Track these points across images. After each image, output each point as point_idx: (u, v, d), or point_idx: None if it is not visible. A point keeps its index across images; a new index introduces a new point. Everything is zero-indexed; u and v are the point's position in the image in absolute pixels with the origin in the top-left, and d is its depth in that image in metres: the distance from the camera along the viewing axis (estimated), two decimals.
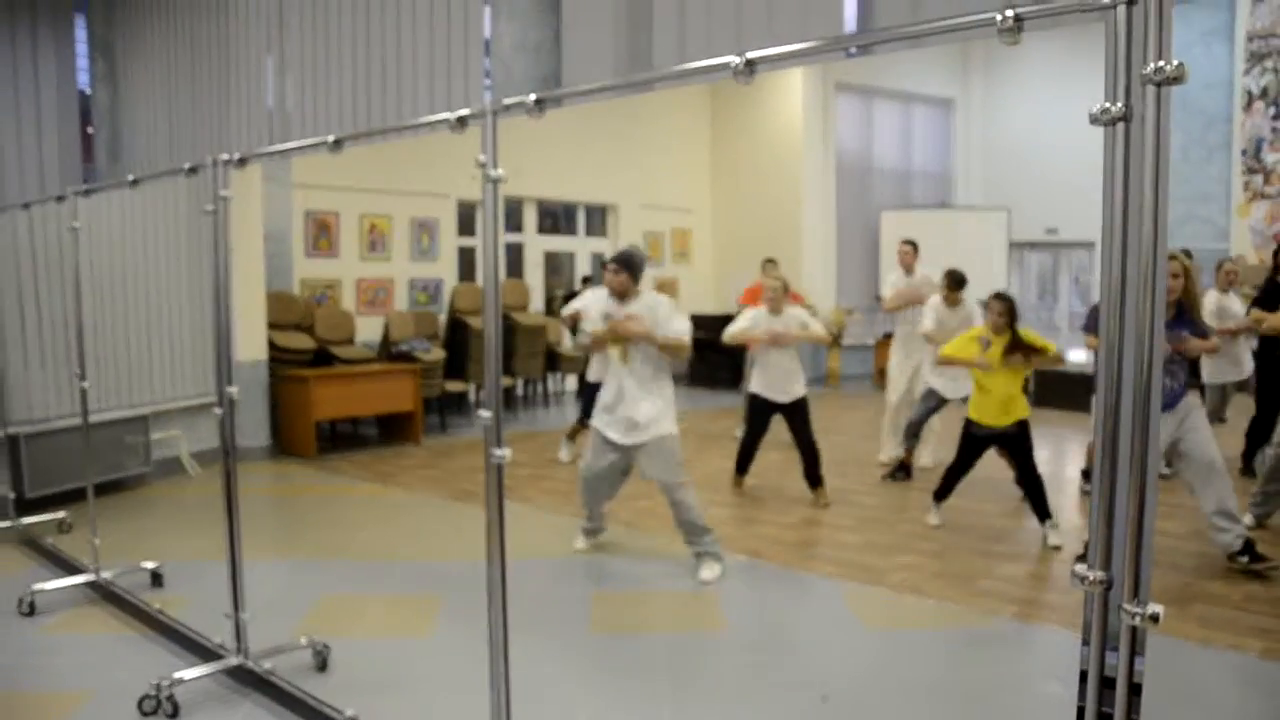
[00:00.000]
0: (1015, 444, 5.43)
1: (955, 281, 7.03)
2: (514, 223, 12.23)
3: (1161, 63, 1.31)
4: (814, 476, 6.43)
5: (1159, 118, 1.33)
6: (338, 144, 3.02)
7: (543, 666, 3.69)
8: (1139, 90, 1.34)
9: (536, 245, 12.54)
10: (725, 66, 1.82)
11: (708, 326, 13.24)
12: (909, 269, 7.78)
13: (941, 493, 5.71)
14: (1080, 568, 1.45)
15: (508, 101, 2.34)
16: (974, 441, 5.56)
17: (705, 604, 4.59)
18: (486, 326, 2.55)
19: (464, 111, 2.50)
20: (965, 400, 5.87)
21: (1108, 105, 1.36)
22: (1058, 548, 5.23)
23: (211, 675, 3.59)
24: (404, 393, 8.74)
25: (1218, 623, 4.11)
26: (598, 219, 13.23)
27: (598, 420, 5.01)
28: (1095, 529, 1.43)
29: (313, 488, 7.34)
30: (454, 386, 10.08)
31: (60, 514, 5.95)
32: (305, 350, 8.66)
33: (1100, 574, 1.43)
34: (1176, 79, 1.30)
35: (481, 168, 2.43)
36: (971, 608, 4.36)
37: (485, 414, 2.49)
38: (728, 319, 12.82)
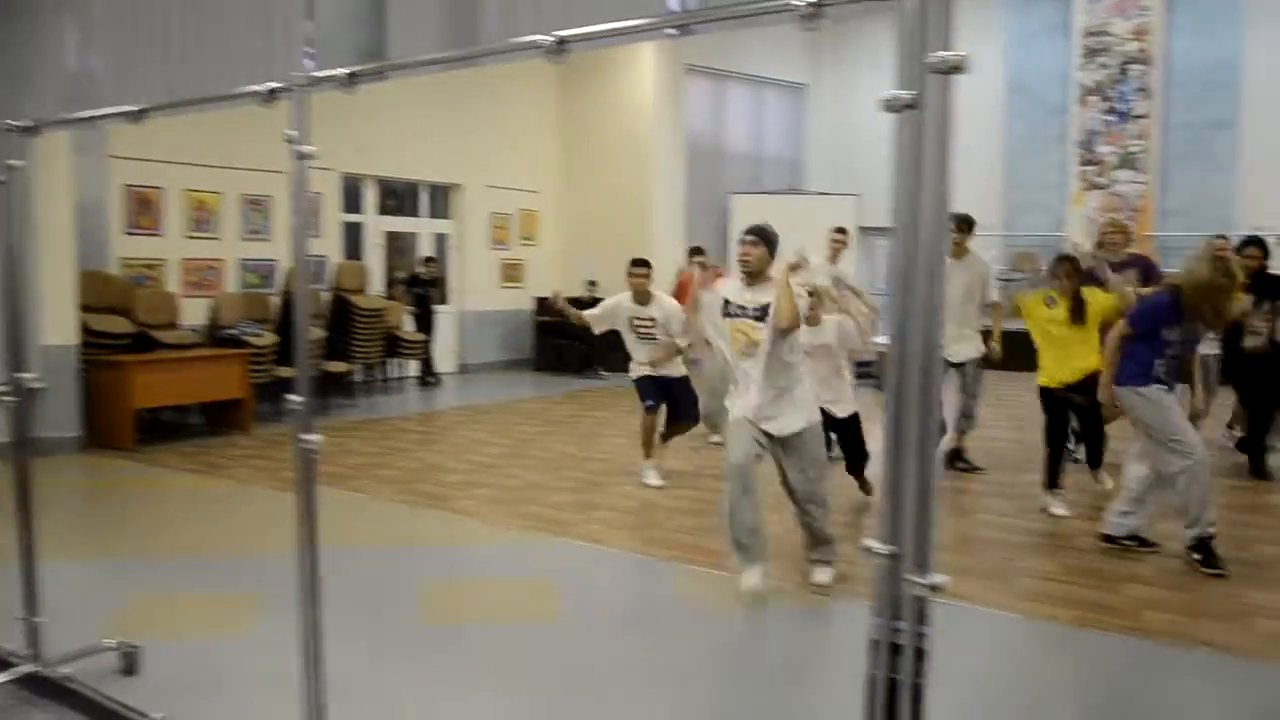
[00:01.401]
0: (1092, 393, 5.22)
1: (966, 224, 6.43)
2: (354, 202, 11.87)
3: (946, 52, 1.35)
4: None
5: (944, 105, 1.37)
6: (140, 114, 2.83)
7: (370, 660, 3.60)
8: (927, 79, 1.37)
9: (377, 226, 12.21)
10: (536, 45, 1.78)
11: (553, 310, 13.19)
12: (836, 256, 7.66)
13: (1053, 478, 5.61)
14: (870, 541, 1.49)
15: (318, 75, 2.24)
16: (1055, 405, 5.60)
17: (540, 592, 4.56)
18: (298, 308, 2.45)
19: (273, 85, 2.38)
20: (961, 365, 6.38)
21: (898, 93, 1.39)
22: (1109, 490, 5.62)
23: (3, 685, 3.33)
24: (232, 379, 8.36)
25: (1035, 595, 4.35)
26: (442, 199, 12.98)
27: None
28: (882, 504, 1.47)
29: (129, 481, 6.94)
30: (335, 367, 9.76)
31: None
32: (123, 334, 8.17)
33: (889, 547, 1.47)
34: (959, 68, 1.34)
35: (290, 143, 2.32)
36: (803, 589, 4.47)
37: (296, 399, 2.39)
38: (575, 301, 12.85)
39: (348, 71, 2.22)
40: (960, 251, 6.46)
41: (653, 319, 6.41)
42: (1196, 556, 4.52)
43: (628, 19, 1.82)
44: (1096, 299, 5.45)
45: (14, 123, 3.22)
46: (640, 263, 6.52)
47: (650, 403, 6.54)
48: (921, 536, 1.45)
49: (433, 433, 9.04)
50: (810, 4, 1.45)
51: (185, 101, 2.85)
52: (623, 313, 6.54)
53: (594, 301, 12.77)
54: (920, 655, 1.50)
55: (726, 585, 4.56)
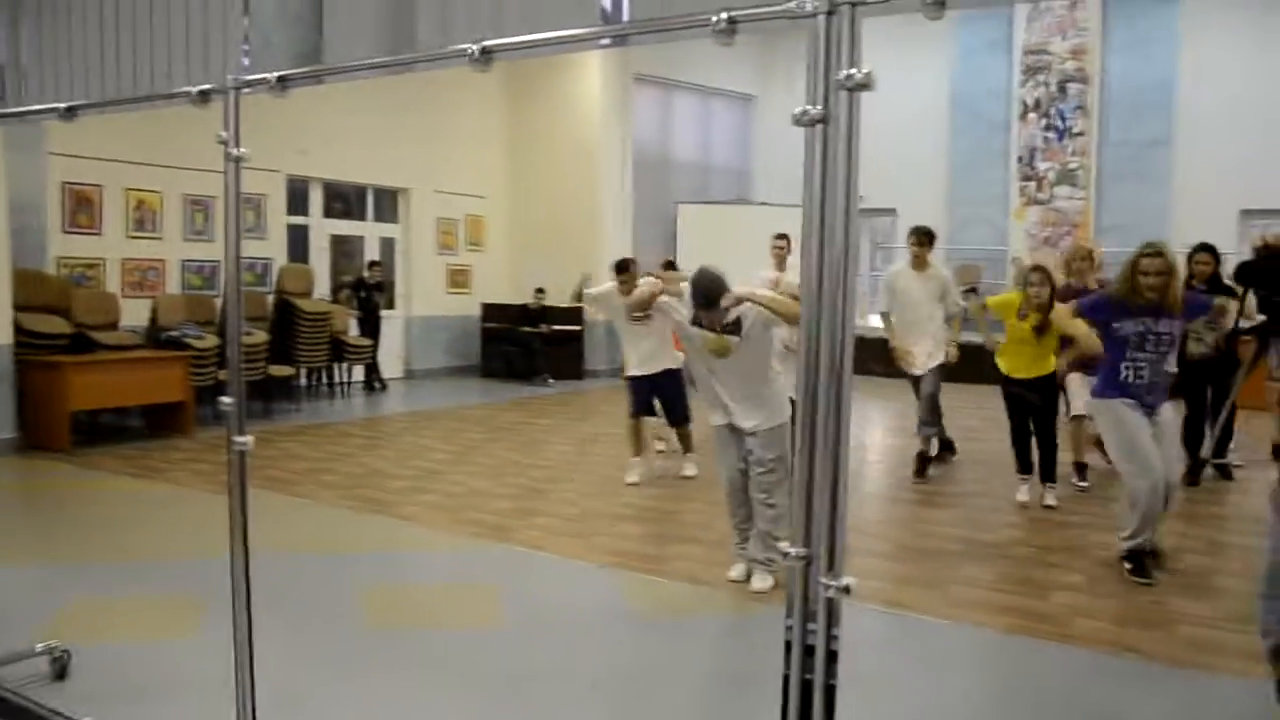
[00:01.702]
0: (1044, 394, 5.90)
1: (926, 237, 6.63)
2: (300, 205, 11.75)
3: (853, 70, 1.40)
4: None
5: (850, 121, 1.42)
6: (70, 112, 2.80)
7: (308, 664, 3.58)
8: (835, 95, 1.42)
9: (323, 229, 12.10)
10: (462, 53, 1.81)
11: (502, 316, 13.19)
12: (781, 263, 7.69)
13: (1024, 466, 6.02)
14: (784, 545, 1.53)
15: (248, 78, 2.24)
16: (1013, 397, 5.98)
17: (481, 598, 4.56)
18: (230, 310, 2.44)
19: (205, 86, 2.38)
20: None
21: (808, 108, 1.43)
22: (1052, 507, 5.86)
23: None
24: (173, 381, 8.24)
25: (968, 602, 4.43)
26: (388, 203, 12.90)
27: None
28: (795, 509, 1.51)
29: (64, 484, 6.81)
30: (279, 371, 9.65)
31: None
32: (59, 335, 8.02)
33: (801, 550, 1.51)
34: (865, 85, 1.39)
35: (222, 145, 2.31)
36: (743, 595, 4.51)
37: (227, 400, 2.38)
38: (522, 309, 12.85)
39: (277, 75, 2.21)
40: (921, 264, 6.67)
41: (649, 315, 6.45)
42: (1128, 565, 4.63)
43: (557, 30, 1.85)
44: (1060, 317, 5.50)
45: None
46: (623, 267, 6.57)
47: (636, 408, 6.71)
48: (833, 539, 1.49)
49: (377, 438, 8.99)
50: (726, 20, 1.49)
51: (117, 100, 2.83)
52: (618, 301, 6.54)
53: (541, 310, 12.84)
54: (832, 656, 1.53)
55: (665, 591, 4.60)
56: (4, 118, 4.06)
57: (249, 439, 2.38)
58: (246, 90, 2.37)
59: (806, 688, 1.56)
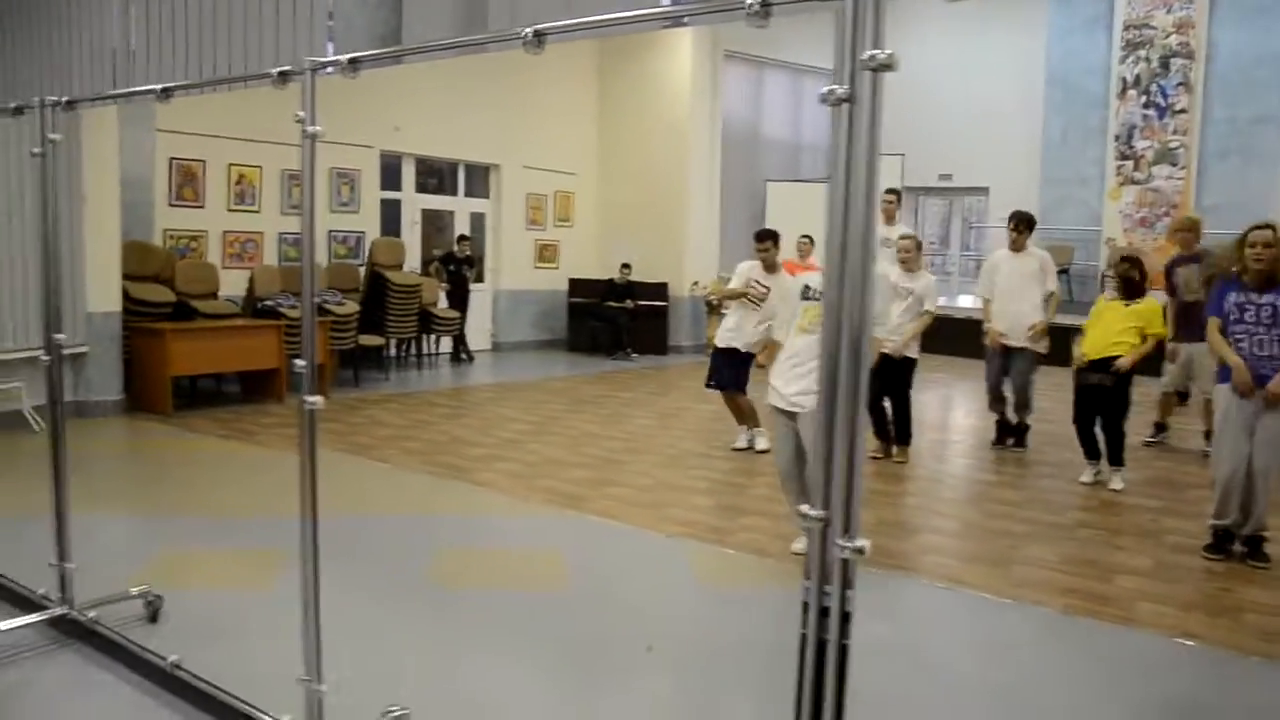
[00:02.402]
0: (1115, 376, 5.87)
1: (1025, 223, 6.84)
2: (393, 180, 12.07)
3: (877, 51, 1.44)
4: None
5: (874, 101, 1.47)
6: (165, 93, 2.99)
7: (376, 617, 3.76)
8: (860, 75, 1.47)
9: (415, 203, 12.41)
10: (518, 36, 1.90)
11: (589, 291, 13.36)
12: (890, 218, 7.76)
13: (1089, 451, 6.09)
14: (804, 508, 1.60)
15: (323, 59, 2.37)
16: (1082, 387, 6.04)
17: (549, 563, 4.71)
18: (305, 282, 2.59)
19: (284, 68, 2.52)
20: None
21: (834, 87, 1.48)
22: (1118, 490, 5.89)
23: (32, 625, 3.55)
24: (267, 349, 8.59)
25: (1031, 582, 4.42)
26: (479, 179, 13.15)
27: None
28: (814, 472, 1.58)
29: (164, 444, 7.19)
30: (369, 340, 10.02)
31: None
32: (164, 303, 8.43)
33: (820, 512, 1.58)
34: (888, 66, 1.44)
35: (300, 123, 2.45)
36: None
37: (300, 363, 2.53)
38: (609, 284, 13.00)
39: (349, 57, 2.34)
40: (1019, 246, 6.86)
41: (768, 288, 6.54)
42: (1207, 542, 4.70)
43: (615, 12, 1.93)
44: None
45: (54, 98, 3.39)
46: (765, 235, 6.73)
47: (713, 381, 6.95)
48: (849, 503, 1.55)
49: (461, 408, 9.23)
50: (759, 4, 1.55)
51: (205, 82, 3.00)
52: (748, 274, 6.76)
53: (628, 286, 12.97)
54: (846, 617, 1.60)
55: (730, 561, 4.69)
56: (113, 99, 4.32)
57: (319, 399, 2.53)
58: (325, 71, 2.50)
59: (822, 647, 1.63)
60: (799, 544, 4.64)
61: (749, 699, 3.25)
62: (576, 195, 13.98)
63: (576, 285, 13.66)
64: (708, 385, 7.00)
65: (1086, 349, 6.00)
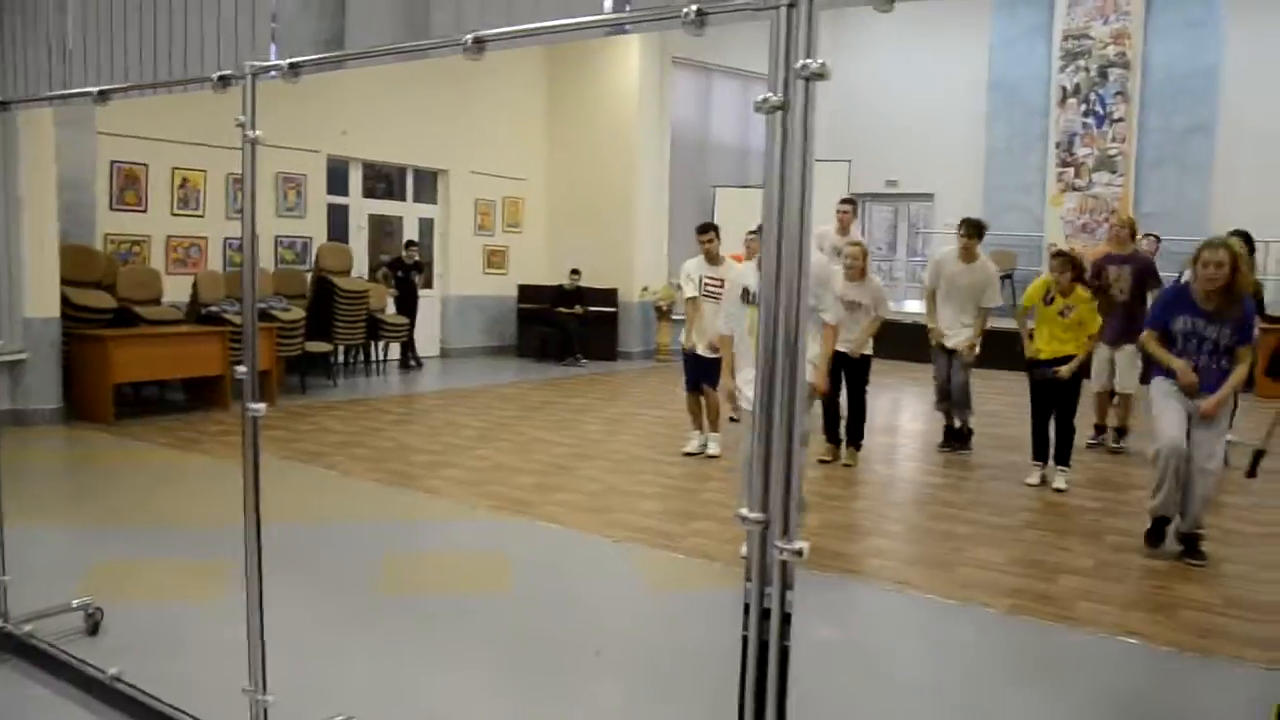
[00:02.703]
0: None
1: (976, 229, 6.90)
2: (340, 185, 11.96)
3: (809, 60, 1.47)
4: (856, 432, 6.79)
5: (806, 109, 1.49)
6: (103, 96, 2.94)
7: (323, 626, 3.73)
8: (794, 83, 1.50)
9: (362, 209, 12.30)
10: (458, 43, 1.90)
11: (538, 297, 13.34)
12: (845, 229, 7.75)
13: (1039, 452, 6.20)
14: (744, 511, 1.62)
15: (263, 64, 2.36)
16: (1038, 381, 6.16)
17: (495, 568, 4.70)
18: (244, 287, 2.57)
19: (225, 72, 2.50)
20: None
21: (768, 95, 1.51)
22: (1061, 490, 6.01)
23: None
24: (211, 356, 8.46)
25: (976, 583, 4.49)
26: (427, 184, 13.07)
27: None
28: (753, 476, 1.60)
29: (105, 453, 7.05)
30: (316, 347, 9.89)
31: None
32: (105, 309, 8.27)
33: (759, 515, 1.60)
34: (820, 75, 1.47)
35: (240, 128, 2.43)
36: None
37: (241, 370, 2.51)
38: (558, 289, 12.99)
39: (289, 62, 2.32)
40: (970, 256, 6.92)
41: (721, 280, 6.55)
42: (1146, 531, 4.84)
43: (553, 18, 1.94)
44: (1080, 300, 6.07)
45: None
46: (707, 228, 6.84)
47: (690, 380, 7.02)
48: (787, 505, 1.58)
49: (410, 415, 9.17)
50: (695, 12, 1.57)
51: (144, 84, 2.96)
52: (695, 272, 6.81)
53: (577, 291, 12.97)
54: (786, 618, 1.62)
55: (678, 565, 4.71)
56: (49, 100, 4.23)
57: (262, 406, 2.51)
58: (266, 76, 2.48)
59: (763, 649, 1.65)
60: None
61: (697, 703, 3.26)
62: (525, 201, 13.96)
63: (526, 291, 13.63)
64: (688, 389, 7.06)
65: (1041, 346, 6.16)
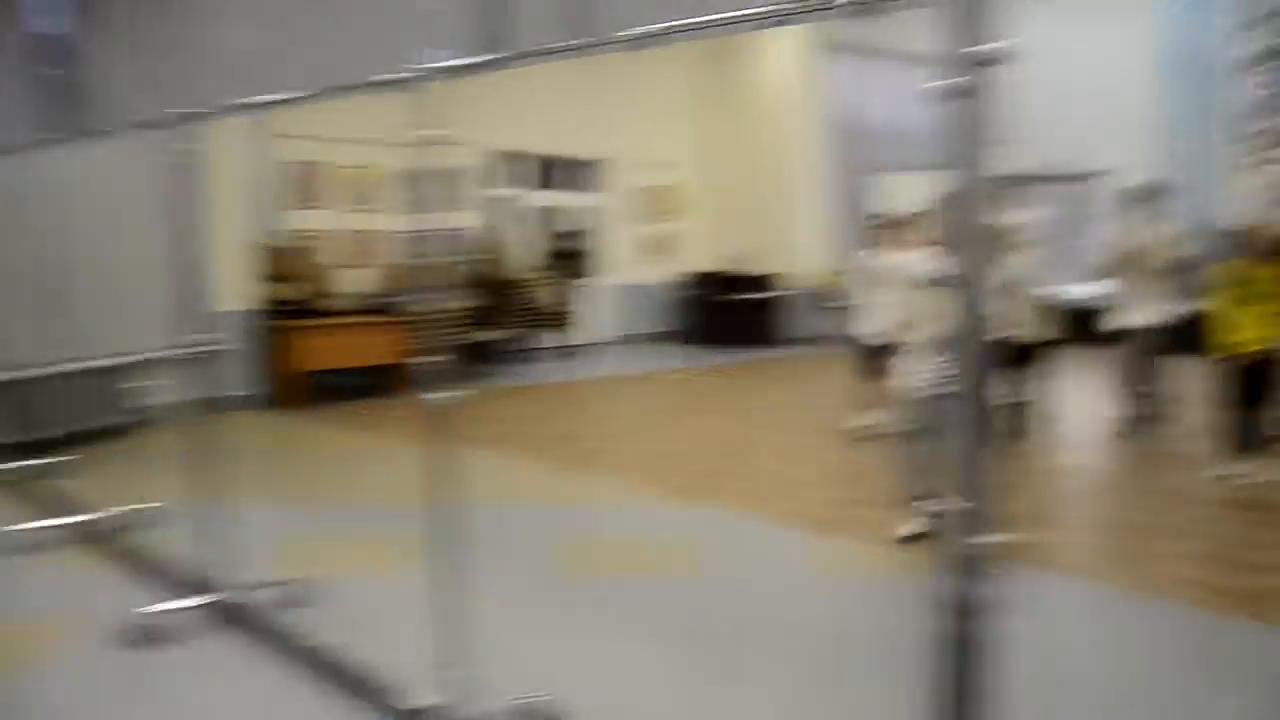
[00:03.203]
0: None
1: (1149, 195, 6.76)
2: (504, 177, 12.32)
3: (987, 44, 1.46)
4: None
5: (988, 93, 1.48)
6: (285, 103, 3.16)
7: (506, 606, 3.90)
8: (973, 68, 1.49)
9: (526, 200, 12.64)
10: (622, 40, 1.97)
11: (700, 284, 13.42)
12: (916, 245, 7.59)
13: (1243, 442, 5.75)
14: (933, 502, 1.63)
15: (430, 66, 2.48)
16: (1242, 368, 5.69)
17: (673, 552, 4.78)
18: (429, 280, 2.71)
19: (392, 76, 2.64)
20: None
21: (947, 80, 1.51)
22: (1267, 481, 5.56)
23: (196, 608, 3.80)
24: (390, 346, 8.92)
25: (1167, 578, 4.25)
26: (589, 174, 13.30)
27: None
28: (952, 469, 1.60)
29: (300, 436, 7.55)
30: (482, 335, 10.31)
31: (52, 458, 6.16)
32: (294, 301, 8.83)
33: (956, 505, 1.59)
34: (1001, 59, 1.45)
35: (415, 130, 2.57)
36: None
37: (431, 361, 2.66)
38: (720, 275, 13.02)
39: (459, 63, 2.44)
40: (1144, 226, 6.67)
41: (891, 266, 6.52)
42: None
43: (711, 14, 1.98)
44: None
45: (179, 111, 3.61)
46: (875, 215, 6.91)
47: (860, 365, 7.02)
48: (984, 497, 1.57)
49: (576, 401, 9.40)
50: (852, 2, 1.59)
51: (318, 93, 3.15)
52: (865, 258, 6.86)
53: (740, 277, 12.97)
54: (980, 611, 1.61)
55: (853, 551, 4.68)
56: (235, 110, 4.54)
57: (452, 394, 2.66)
58: (435, 78, 2.62)
59: (958, 642, 1.64)
60: (909, 528, 4.61)
61: (880, 690, 3.26)
62: (686, 187, 14.04)
63: (688, 277, 13.72)
64: (857, 372, 6.98)
65: (1244, 329, 5.63)
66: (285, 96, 3.21)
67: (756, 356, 12.33)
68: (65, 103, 7.30)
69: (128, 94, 7.33)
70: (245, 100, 3.77)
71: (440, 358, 2.71)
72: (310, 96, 3.26)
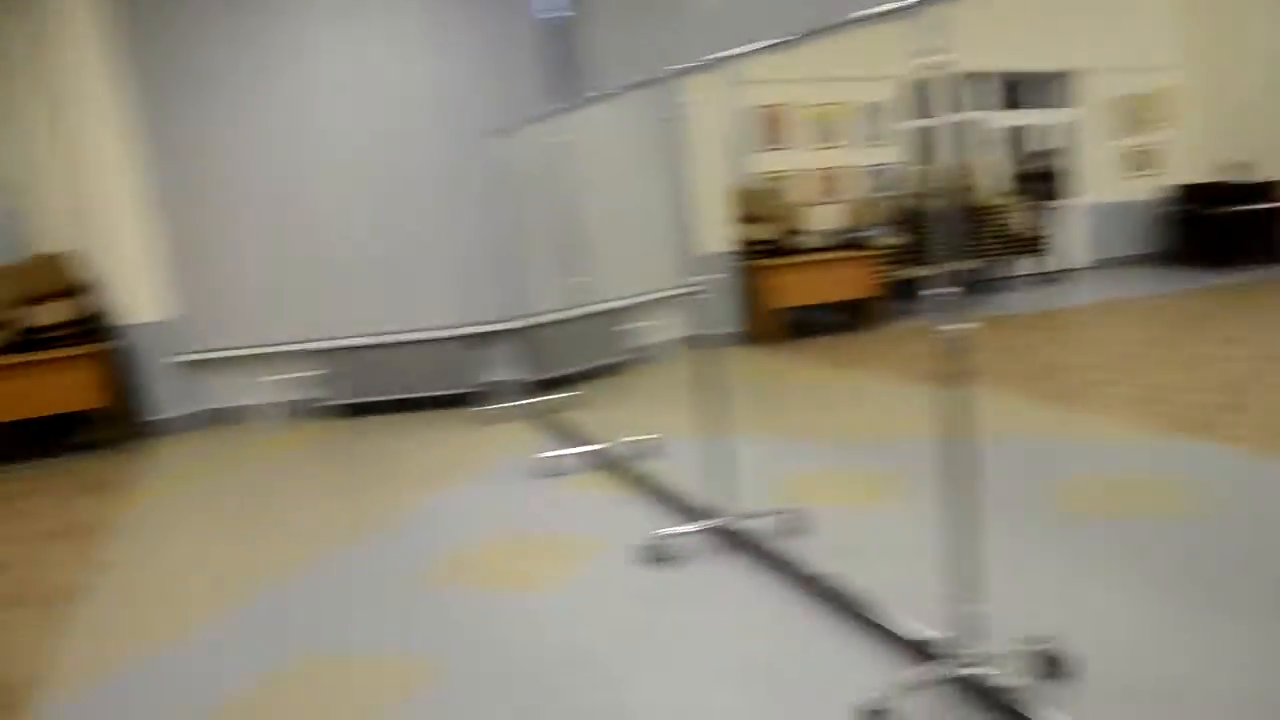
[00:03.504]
0: None
1: None
2: (969, 100, 11.72)
3: None
4: None
5: None
6: (781, 46, 3.23)
7: (1007, 544, 3.78)
8: None
9: (993, 121, 11.94)
10: None
11: (1194, 197, 11.87)
12: None
13: None
14: None
15: None
16: None
17: (1170, 490, 4.34)
18: (931, 207, 2.65)
19: (893, 5, 2.58)
20: None
21: None
22: None
23: (700, 532, 4.14)
24: (861, 279, 8.97)
25: None
26: (1059, 88, 12.24)
27: None
28: None
29: (777, 372, 7.86)
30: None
31: (566, 394, 7.00)
32: (767, 241, 9.17)
33: None
34: None
35: (920, 56, 2.50)
36: None
37: (943, 291, 2.61)
38: (1218, 186, 11.42)
39: None
40: None
41: None
42: None
43: None
44: None
45: (676, 67, 3.84)
46: None
47: None
48: None
49: (1056, 330, 8.80)
50: None
51: (811, 33, 3.16)
52: None
53: (1245, 187, 11.26)
54: None
55: None
56: (726, 61, 4.76)
57: (961, 326, 2.59)
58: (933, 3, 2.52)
59: None
60: None
61: None
62: (1175, 93, 12.41)
63: (1175, 192, 12.19)
64: None
65: None
66: (775, 41, 3.28)
67: (1258, 276, 10.67)
68: (569, 75, 8.19)
69: (621, 60, 8.02)
70: (731, 51, 3.92)
71: (947, 287, 2.64)
72: (802, 38, 3.31)
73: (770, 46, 3.38)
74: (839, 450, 5.43)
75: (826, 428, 5.98)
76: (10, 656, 3.74)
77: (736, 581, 3.75)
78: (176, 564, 4.63)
